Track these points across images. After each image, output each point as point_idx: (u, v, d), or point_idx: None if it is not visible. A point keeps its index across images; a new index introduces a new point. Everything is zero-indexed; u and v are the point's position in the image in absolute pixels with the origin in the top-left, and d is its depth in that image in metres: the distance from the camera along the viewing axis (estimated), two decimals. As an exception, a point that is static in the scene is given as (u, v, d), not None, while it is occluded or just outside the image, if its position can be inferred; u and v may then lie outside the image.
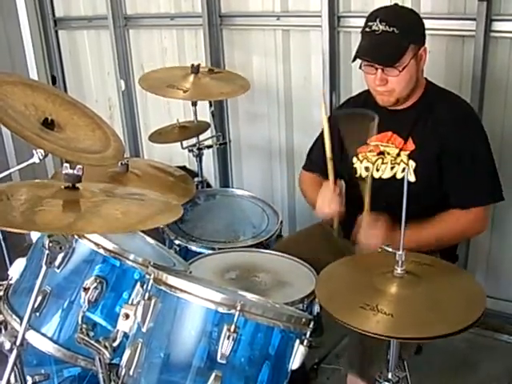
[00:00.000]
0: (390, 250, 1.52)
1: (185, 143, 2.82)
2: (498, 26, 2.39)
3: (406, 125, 1.98)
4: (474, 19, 2.39)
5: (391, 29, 1.84)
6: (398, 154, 1.98)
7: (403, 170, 1.96)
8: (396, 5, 1.98)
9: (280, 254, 2.06)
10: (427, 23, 2.52)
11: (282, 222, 2.41)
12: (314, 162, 2.26)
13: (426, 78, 2.03)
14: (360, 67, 1.95)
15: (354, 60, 1.94)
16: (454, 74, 2.57)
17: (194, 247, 2.20)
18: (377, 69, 1.89)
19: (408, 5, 2.58)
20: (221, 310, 1.40)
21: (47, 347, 1.63)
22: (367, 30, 1.91)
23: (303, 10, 2.92)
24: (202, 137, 2.88)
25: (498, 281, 2.78)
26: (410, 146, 1.96)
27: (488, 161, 1.95)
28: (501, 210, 2.60)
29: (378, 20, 1.87)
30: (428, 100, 1.98)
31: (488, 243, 2.76)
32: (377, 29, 1.87)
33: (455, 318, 1.36)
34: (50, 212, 1.42)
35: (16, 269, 1.74)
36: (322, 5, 2.74)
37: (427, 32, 2.54)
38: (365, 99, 2.08)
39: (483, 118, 2.51)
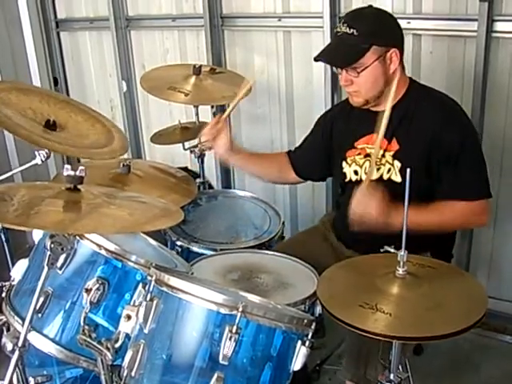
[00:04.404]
0: (392, 250, 1.52)
1: (186, 144, 2.82)
2: (499, 26, 2.38)
3: (389, 125, 1.95)
4: (476, 20, 2.38)
5: (351, 30, 1.85)
6: (383, 155, 1.96)
7: (389, 171, 1.95)
8: (370, 6, 1.96)
9: (282, 254, 2.06)
10: (429, 24, 2.55)
11: (283, 222, 2.41)
12: (298, 155, 2.31)
13: (410, 78, 2.02)
14: (331, 68, 1.98)
15: (315, 61, 1.96)
16: (455, 74, 2.57)
17: (195, 248, 2.21)
18: (341, 69, 1.91)
19: (409, 6, 2.59)
20: (223, 311, 1.40)
21: (49, 348, 1.63)
22: (334, 31, 1.95)
23: (304, 11, 2.92)
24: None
25: (500, 281, 2.78)
26: (395, 146, 1.95)
27: (479, 155, 1.92)
28: (502, 210, 2.60)
29: (342, 22, 1.90)
30: (411, 99, 1.96)
31: (490, 243, 2.76)
32: (339, 30, 1.89)
33: (456, 318, 1.36)
34: (51, 211, 1.42)
35: (18, 270, 1.75)
36: (324, 6, 2.75)
37: (428, 33, 2.57)
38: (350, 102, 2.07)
39: (485, 118, 2.51)
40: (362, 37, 1.84)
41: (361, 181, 2.02)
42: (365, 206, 1.82)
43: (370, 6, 1.96)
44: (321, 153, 2.20)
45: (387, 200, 1.81)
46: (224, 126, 2.20)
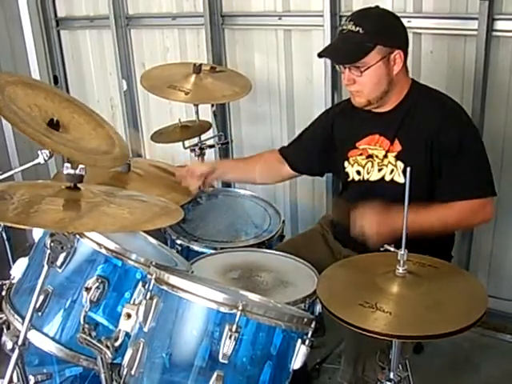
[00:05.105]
0: (392, 249, 1.52)
1: (187, 143, 2.82)
2: (499, 25, 2.38)
3: (391, 126, 1.96)
4: (476, 18, 2.38)
5: (357, 28, 1.85)
6: (385, 156, 1.97)
7: (391, 172, 1.95)
8: (377, 7, 1.96)
9: (282, 253, 2.06)
10: (429, 23, 2.55)
11: (284, 221, 2.41)
12: (293, 149, 2.31)
13: (412, 79, 2.02)
14: (334, 66, 1.98)
15: (319, 57, 1.96)
16: (455, 73, 2.57)
17: (195, 247, 2.21)
18: (345, 68, 1.91)
19: (409, 5, 2.59)
20: (222, 309, 1.40)
21: (49, 347, 1.63)
22: (339, 29, 1.95)
23: (305, 9, 2.92)
24: (203, 136, 2.88)
25: (500, 280, 2.78)
26: (397, 147, 1.95)
27: (480, 154, 1.92)
28: (503, 209, 2.60)
29: (348, 19, 1.89)
30: (413, 100, 1.96)
31: (490, 243, 2.76)
32: (345, 28, 1.89)
33: (456, 317, 1.36)
34: (51, 210, 1.42)
35: (18, 268, 1.75)
36: (324, 4, 2.75)
37: (429, 31, 2.57)
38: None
39: (485, 116, 2.51)
40: (367, 35, 1.84)
41: (363, 181, 2.02)
42: (366, 227, 1.83)
43: (377, 7, 1.96)
44: (318, 147, 2.20)
45: (383, 210, 1.82)
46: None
